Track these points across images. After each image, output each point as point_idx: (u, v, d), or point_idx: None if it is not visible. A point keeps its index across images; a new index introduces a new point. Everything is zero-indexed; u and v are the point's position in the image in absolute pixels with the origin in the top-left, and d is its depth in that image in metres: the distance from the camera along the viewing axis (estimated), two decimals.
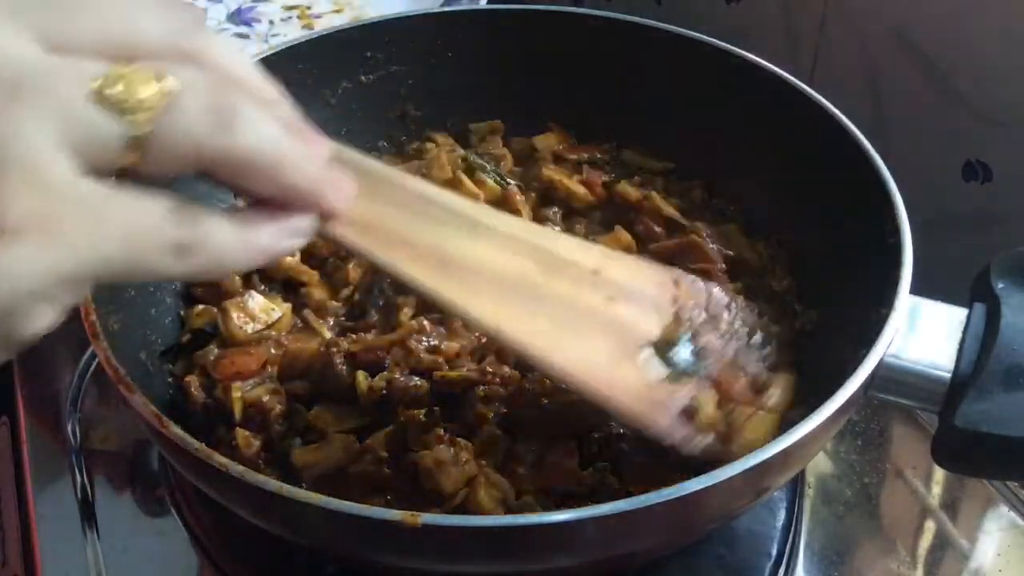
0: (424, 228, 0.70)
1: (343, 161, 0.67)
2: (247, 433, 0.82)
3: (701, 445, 0.74)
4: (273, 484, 0.64)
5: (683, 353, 0.77)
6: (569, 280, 0.75)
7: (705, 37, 1.04)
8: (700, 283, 0.83)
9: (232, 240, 0.54)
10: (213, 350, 0.89)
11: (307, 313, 0.93)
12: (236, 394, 0.84)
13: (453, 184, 1.02)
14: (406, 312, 0.91)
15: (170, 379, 0.89)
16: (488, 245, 0.73)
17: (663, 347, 0.77)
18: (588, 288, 0.76)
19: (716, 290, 0.83)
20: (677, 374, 0.76)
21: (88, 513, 0.91)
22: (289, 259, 0.96)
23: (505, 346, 0.75)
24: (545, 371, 0.74)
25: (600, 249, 0.83)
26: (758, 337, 0.83)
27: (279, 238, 0.57)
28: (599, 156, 1.10)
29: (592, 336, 0.75)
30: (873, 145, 0.87)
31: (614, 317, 0.76)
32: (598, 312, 0.75)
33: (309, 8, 1.51)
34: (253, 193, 0.56)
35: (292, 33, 1.46)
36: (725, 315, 0.82)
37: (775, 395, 0.81)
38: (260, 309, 0.92)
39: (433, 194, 0.73)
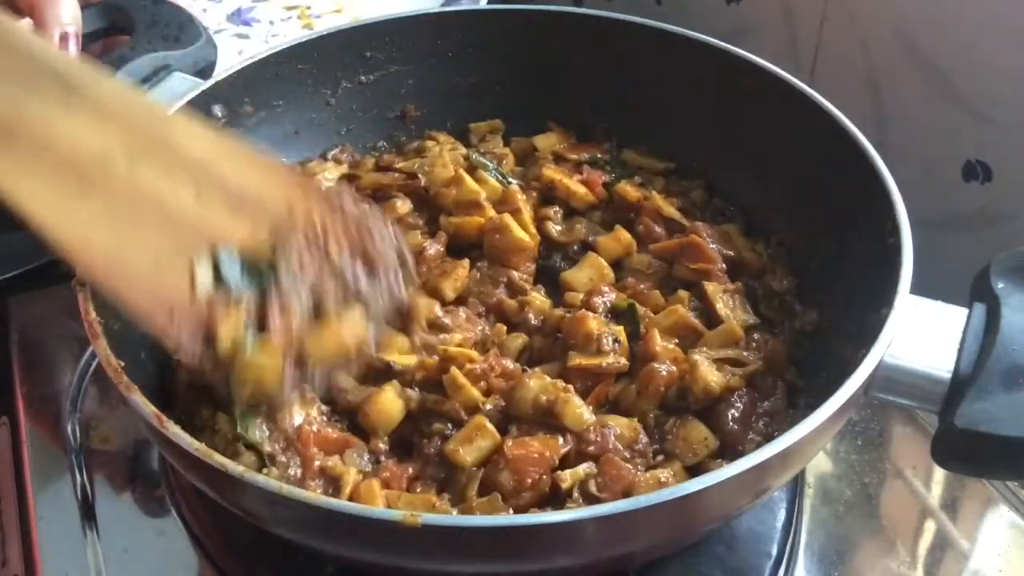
0: (8, 90, 0.66)
1: None
2: (227, 417, 0.82)
3: (195, 361, 0.71)
4: (273, 484, 0.64)
5: (233, 271, 0.73)
6: (160, 168, 0.71)
7: (705, 37, 1.04)
8: (332, 201, 0.77)
9: None
10: None
11: None
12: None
13: (455, 182, 1.02)
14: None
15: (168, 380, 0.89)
16: (79, 119, 0.68)
17: (222, 261, 0.72)
18: (181, 181, 0.71)
19: (355, 217, 0.77)
20: (223, 290, 0.72)
21: (88, 513, 0.91)
22: None
23: (44, 236, 0.68)
24: (74, 263, 0.70)
25: (228, 143, 0.77)
26: (360, 271, 0.77)
27: None
28: (599, 156, 1.10)
29: (145, 234, 0.70)
30: (873, 145, 0.87)
31: (193, 215, 0.72)
32: (176, 209, 0.71)
33: (309, 8, 1.51)
34: None
35: (292, 33, 1.46)
36: (334, 244, 0.76)
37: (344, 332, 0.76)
38: None
39: (32, 49, 0.68)
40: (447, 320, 0.90)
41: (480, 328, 0.90)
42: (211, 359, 0.72)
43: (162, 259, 0.71)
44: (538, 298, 0.94)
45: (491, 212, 0.99)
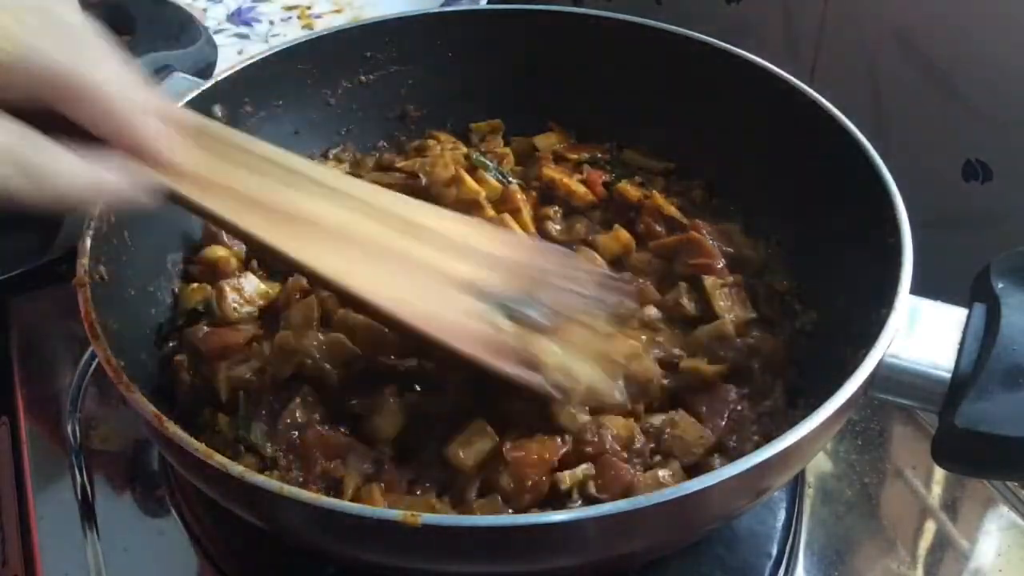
0: (272, 188, 0.73)
1: (184, 122, 0.70)
2: (228, 419, 0.82)
3: (546, 385, 0.77)
4: (273, 484, 0.64)
5: (525, 309, 0.80)
6: (421, 242, 0.78)
7: (705, 37, 1.04)
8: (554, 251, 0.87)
9: (80, 170, 0.59)
10: (203, 328, 0.89)
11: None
12: (222, 375, 0.84)
13: (455, 182, 1.02)
14: None
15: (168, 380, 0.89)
16: (341, 207, 0.75)
17: (508, 305, 0.79)
18: (438, 250, 0.79)
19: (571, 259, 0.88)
20: (522, 327, 0.79)
21: (88, 513, 0.91)
22: None
23: (353, 298, 0.76)
24: (398, 324, 0.76)
25: (453, 215, 0.86)
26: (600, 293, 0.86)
27: (123, 178, 0.62)
28: (599, 156, 1.10)
29: (441, 293, 0.77)
30: (873, 145, 0.87)
31: (464, 276, 0.78)
32: (447, 272, 0.78)
33: (309, 8, 1.52)
34: (91, 126, 0.60)
35: (292, 33, 1.46)
36: (574, 277, 0.85)
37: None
38: (255, 292, 0.93)
39: (280, 157, 0.75)
40: None
41: None
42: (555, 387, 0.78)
43: (458, 307, 0.78)
44: None
45: (491, 212, 0.99)
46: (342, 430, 0.81)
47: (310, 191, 0.75)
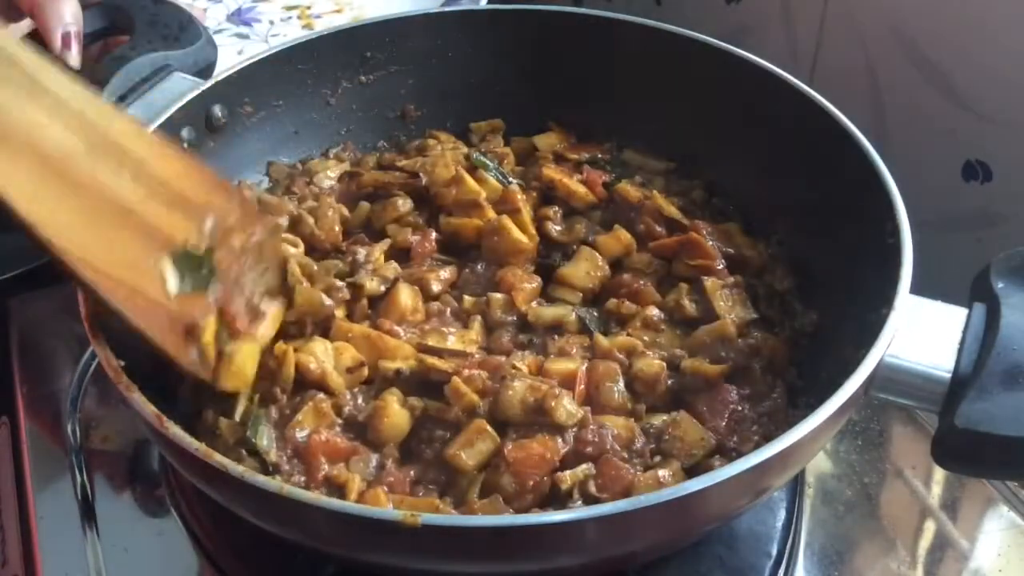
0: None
1: None
2: (229, 422, 0.82)
3: (192, 364, 0.77)
4: (274, 484, 0.64)
5: (199, 269, 0.78)
6: (113, 167, 0.73)
7: (705, 37, 1.04)
8: (238, 196, 0.84)
9: None
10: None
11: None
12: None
13: (455, 181, 1.02)
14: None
15: (167, 379, 0.89)
16: (44, 110, 0.70)
17: (183, 259, 0.77)
18: (129, 179, 0.74)
19: (248, 204, 0.85)
20: (191, 289, 0.77)
21: (88, 513, 0.91)
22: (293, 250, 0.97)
23: (33, 235, 0.70)
24: (68, 268, 0.71)
25: (153, 139, 0.81)
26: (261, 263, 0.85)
27: None
28: (600, 156, 1.10)
29: (121, 236, 0.73)
30: (873, 145, 0.87)
31: (147, 218, 0.75)
32: (133, 209, 0.74)
33: (309, 8, 1.52)
34: None
35: (292, 33, 1.46)
36: (250, 233, 0.83)
37: (265, 325, 0.84)
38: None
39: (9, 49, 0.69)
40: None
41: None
42: (201, 360, 0.77)
43: (137, 260, 0.74)
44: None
45: (491, 213, 0.99)
46: (347, 436, 0.81)
47: (21, 87, 0.69)
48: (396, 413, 0.81)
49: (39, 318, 1.10)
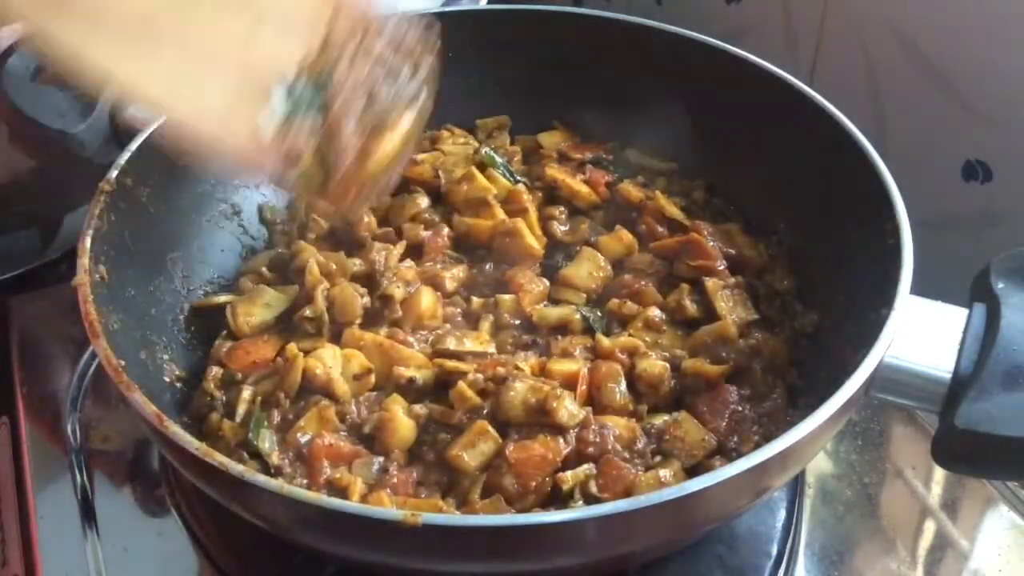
0: None
1: None
2: (233, 424, 0.82)
3: (292, 186, 0.76)
4: (274, 484, 0.64)
5: (305, 88, 0.75)
6: (213, 2, 0.72)
7: (705, 37, 1.04)
8: (361, 4, 0.79)
9: None
10: (226, 343, 0.90)
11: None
12: (246, 395, 0.84)
13: (467, 178, 1.02)
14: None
15: (168, 379, 0.89)
16: None
17: (294, 86, 0.75)
18: (234, 9, 0.73)
19: (372, 12, 0.79)
20: (295, 110, 0.75)
21: (88, 513, 0.91)
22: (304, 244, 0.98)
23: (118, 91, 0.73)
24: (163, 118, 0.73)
25: None
26: (406, 70, 0.80)
27: None
28: (603, 155, 1.11)
29: (218, 76, 0.72)
30: (873, 145, 0.87)
31: (253, 48, 0.73)
32: (236, 43, 0.73)
33: None
34: None
35: None
36: (378, 42, 0.79)
37: (389, 139, 0.79)
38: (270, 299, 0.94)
39: None
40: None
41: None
42: (295, 181, 0.76)
43: (239, 96, 0.73)
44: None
45: (500, 213, 1.00)
46: (351, 439, 0.81)
47: None
48: (403, 424, 0.81)
49: (39, 318, 1.10)
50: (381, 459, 0.80)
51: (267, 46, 0.74)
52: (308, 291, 0.91)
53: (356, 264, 0.95)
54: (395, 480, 0.78)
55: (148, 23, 0.70)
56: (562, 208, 1.04)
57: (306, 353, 0.85)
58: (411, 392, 0.84)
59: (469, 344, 0.88)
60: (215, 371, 0.87)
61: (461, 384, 0.82)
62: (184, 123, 0.72)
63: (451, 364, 0.84)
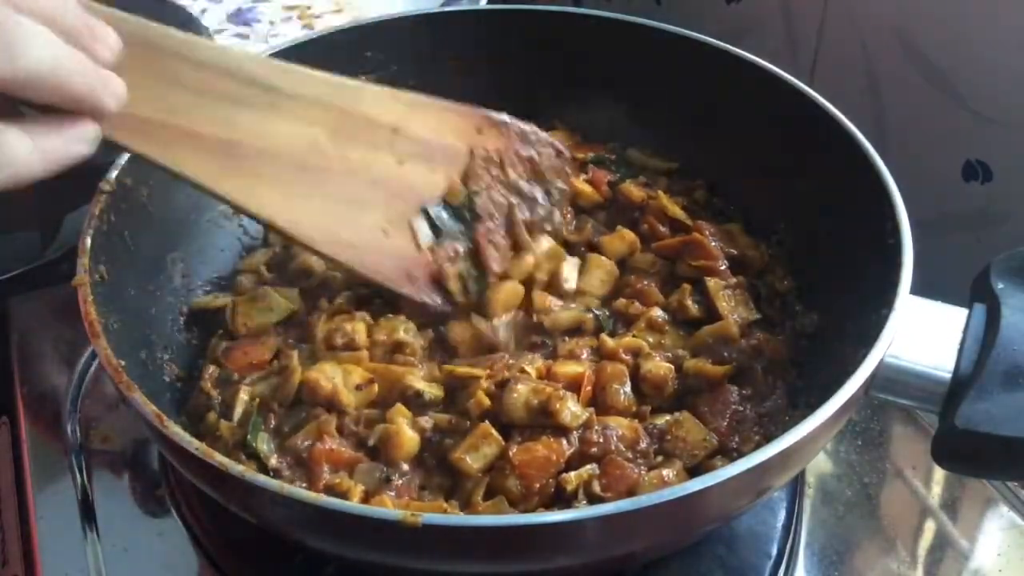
0: (213, 109, 0.71)
1: (128, 33, 0.66)
2: (231, 425, 0.82)
3: (439, 306, 0.82)
4: (274, 484, 0.64)
5: (445, 220, 0.81)
6: (363, 144, 0.77)
7: (705, 37, 1.04)
8: (507, 127, 0.86)
9: (27, 149, 0.58)
10: (223, 343, 0.90)
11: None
12: (242, 393, 0.84)
13: None
14: None
15: (167, 379, 0.89)
16: (284, 117, 0.74)
17: (440, 211, 0.81)
18: (383, 150, 0.78)
19: (520, 135, 0.87)
20: (441, 238, 0.81)
21: (88, 513, 0.91)
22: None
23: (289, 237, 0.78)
24: (316, 252, 0.79)
25: (407, 98, 0.83)
26: (540, 195, 0.88)
27: (69, 144, 0.61)
28: (604, 155, 1.10)
29: (370, 208, 0.77)
30: (873, 145, 0.87)
31: (402, 181, 0.79)
32: (386, 178, 0.78)
33: (309, 8, 1.51)
34: (38, 104, 0.59)
35: (292, 33, 1.46)
36: (517, 167, 0.86)
37: (525, 261, 0.87)
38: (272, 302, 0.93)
39: (227, 63, 0.72)
40: None
41: None
42: (450, 300, 0.82)
43: (388, 227, 0.79)
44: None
45: None
46: (351, 443, 0.81)
47: (259, 103, 0.73)
48: (408, 439, 0.80)
49: (39, 318, 1.10)
50: (383, 467, 0.79)
51: (412, 175, 0.80)
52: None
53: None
54: (398, 484, 0.78)
55: (303, 171, 0.75)
56: (568, 208, 1.03)
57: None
58: (415, 405, 0.83)
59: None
60: (212, 370, 0.87)
61: (479, 393, 0.81)
62: (341, 256, 0.78)
63: (462, 370, 0.84)
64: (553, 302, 0.93)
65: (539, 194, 0.88)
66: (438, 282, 0.83)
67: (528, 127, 0.90)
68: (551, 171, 0.89)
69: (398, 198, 0.79)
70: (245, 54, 0.74)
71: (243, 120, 0.72)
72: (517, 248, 0.89)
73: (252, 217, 0.77)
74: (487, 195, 0.84)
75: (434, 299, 0.83)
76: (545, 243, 0.92)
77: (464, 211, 0.84)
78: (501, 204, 0.85)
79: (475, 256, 0.86)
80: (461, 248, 0.83)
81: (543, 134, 0.92)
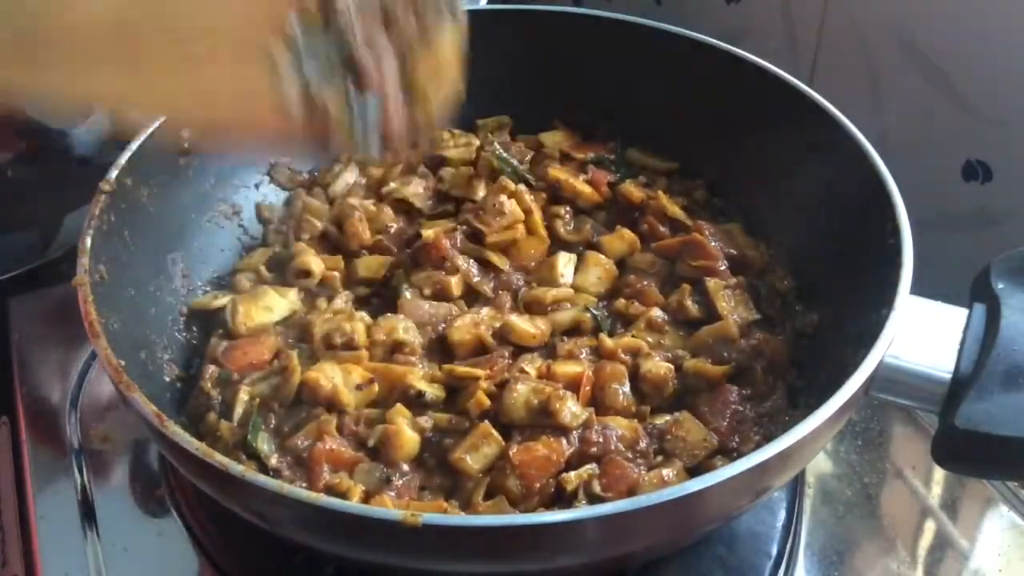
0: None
1: None
2: (231, 425, 0.82)
3: (338, 146, 0.68)
4: (273, 484, 0.64)
5: (311, 39, 0.65)
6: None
7: (705, 37, 1.04)
8: None
9: None
10: (222, 343, 0.90)
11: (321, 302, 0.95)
12: (242, 392, 0.84)
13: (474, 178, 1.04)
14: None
15: (167, 379, 0.89)
16: None
17: (299, 40, 0.65)
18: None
19: None
20: (312, 70, 0.66)
21: (88, 513, 0.91)
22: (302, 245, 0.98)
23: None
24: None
25: None
26: None
27: None
28: (605, 155, 1.10)
29: (212, 63, 0.66)
30: (873, 145, 0.87)
31: (238, 18, 0.66)
32: (218, 20, 0.66)
33: None
34: None
35: None
36: None
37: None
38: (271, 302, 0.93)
39: None
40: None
41: None
42: (342, 144, 0.69)
43: (242, 75, 0.67)
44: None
45: (522, 229, 1.00)
46: (351, 444, 0.81)
47: None
48: (409, 439, 0.80)
49: (39, 318, 1.10)
50: (383, 467, 0.79)
51: (255, 5, 0.67)
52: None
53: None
54: (398, 484, 0.78)
55: (123, 37, 0.66)
56: (567, 208, 1.04)
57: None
58: (416, 405, 0.83)
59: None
60: (212, 370, 0.87)
61: (479, 393, 0.81)
62: (195, 120, 0.69)
63: (462, 370, 0.84)
64: (551, 295, 0.93)
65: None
66: (321, 138, 0.69)
67: None
68: None
69: (241, 40, 0.66)
70: None
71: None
72: (413, 51, 0.70)
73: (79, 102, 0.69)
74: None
75: (316, 151, 0.74)
76: (446, 33, 0.73)
77: (327, 25, 0.66)
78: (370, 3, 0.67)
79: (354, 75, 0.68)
80: (339, 75, 0.67)
81: None
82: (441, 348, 0.89)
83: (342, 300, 0.94)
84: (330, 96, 0.67)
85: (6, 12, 0.64)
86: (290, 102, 0.66)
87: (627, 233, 0.99)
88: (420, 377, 0.85)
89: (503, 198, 0.99)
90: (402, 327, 0.89)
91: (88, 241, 0.82)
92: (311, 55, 0.66)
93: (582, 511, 0.63)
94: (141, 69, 0.67)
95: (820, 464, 0.95)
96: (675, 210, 1.01)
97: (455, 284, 0.94)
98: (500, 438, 0.79)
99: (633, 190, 1.04)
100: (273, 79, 0.66)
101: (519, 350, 0.89)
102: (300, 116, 0.67)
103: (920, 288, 0.76)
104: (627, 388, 0.85)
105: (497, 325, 0.90)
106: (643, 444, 0.80)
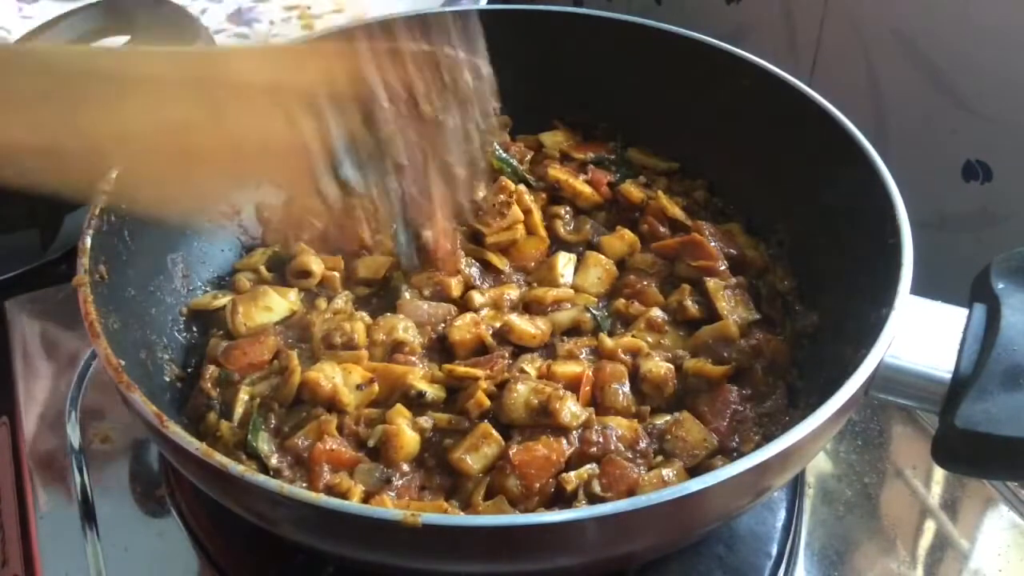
0: (58, 108, 0.65)
1: None
2: (231, 425, 0.82)
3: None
4: (273, 484, 0.64)
5: (349, 170, 0.71)
6: (245, 105, 0.69)
7: (705, 37, 1.04)
8: (400, 54, 0.73)
9: None
10: (222, 343, 0.90)
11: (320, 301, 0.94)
12: (243, 395, 0.84)
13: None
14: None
15: (167, 379, 0.89)
16: (136, 102, 0.66)
17: (345, 160, 0.71)
18: (266, 109, 0.69)
19: (426, 59, 0.74)
20: (349, 190, 0.72)
21: (88, 513, 0.91)
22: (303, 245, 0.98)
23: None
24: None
25: (280, 49, 0.76)
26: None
27: None
28: (605, 155, 1.11)
29: (274, 171, 0.70)
30: (873, 145, 0.87)
31: (291, 140, 0.69)
32: (273, 140, 0.69)
33: (309, 8, 1.51)
34: None
35: (292, 33, 1.46)
36: (428, 103, 0.74)
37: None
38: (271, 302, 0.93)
39: (66, 60, 0.66)
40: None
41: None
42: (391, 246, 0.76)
43: (293, 194, 0.72)
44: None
45: (521, 230, 1.00)
46: (351, 445, 0.81)
47: (107, 93, 0.67)
48: (409, 439, 0.80)
49: (39, 318, 1.10)
50: (383, 467, 0.79)
51: (304, 131, 0.70)
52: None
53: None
54: (399, 484, 0.78)
55: (182, 154, 0.68)
56: (567, 208, 1.04)
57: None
58: (416, 405, 0.83)
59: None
60: (212, 370, 0.87)
61: (479, 393, 0.81)
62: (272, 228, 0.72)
63: (462, 370, 0.84)
64: (551, 295, 0.93)
65: (459, 121, 0.76)
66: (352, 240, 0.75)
67: (430, 47, 0.77)
68: (471, 96, 0.78)
69: (295, 157, 0.69)
70: (65, 49, 0.69)
71: (93, 110, 0.66)
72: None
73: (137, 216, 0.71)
74: (400, 136, 0.72)
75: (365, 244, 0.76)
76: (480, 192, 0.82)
77: (376, 159, 0.72)
78: (416, 143, 0.72)
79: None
80: (376, 195, 0.73)
81: (453, 52, 0.79)
82: (441, 348, 0.89)
83: (342, 300, 0.94)
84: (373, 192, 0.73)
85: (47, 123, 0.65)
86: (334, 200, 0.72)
87: (627, 233, 1.00)
88: (420, 377, 0.85)
89: (503, 198, 0.99)
90: (402, 327, 0.89)
91: (88, 241, 0.82)
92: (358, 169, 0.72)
93: (582, 511, 0.63)
94: (190, 182, 0.70)
95: (820, 464, 0.95)
96: (675, 210, 1.01)
97: (455, 285, 0.94)
98: (500, 438, 0.79)
99: (633, 190, 1.04)
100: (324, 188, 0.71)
101: (519, 350, 0.89)
102: (348, 212, 0.72)
103: (920, 288, 0.76)
104: (627, 388, 0.85)
105: (497, 325, 0.90)
106: (643, 444, 0.80)
